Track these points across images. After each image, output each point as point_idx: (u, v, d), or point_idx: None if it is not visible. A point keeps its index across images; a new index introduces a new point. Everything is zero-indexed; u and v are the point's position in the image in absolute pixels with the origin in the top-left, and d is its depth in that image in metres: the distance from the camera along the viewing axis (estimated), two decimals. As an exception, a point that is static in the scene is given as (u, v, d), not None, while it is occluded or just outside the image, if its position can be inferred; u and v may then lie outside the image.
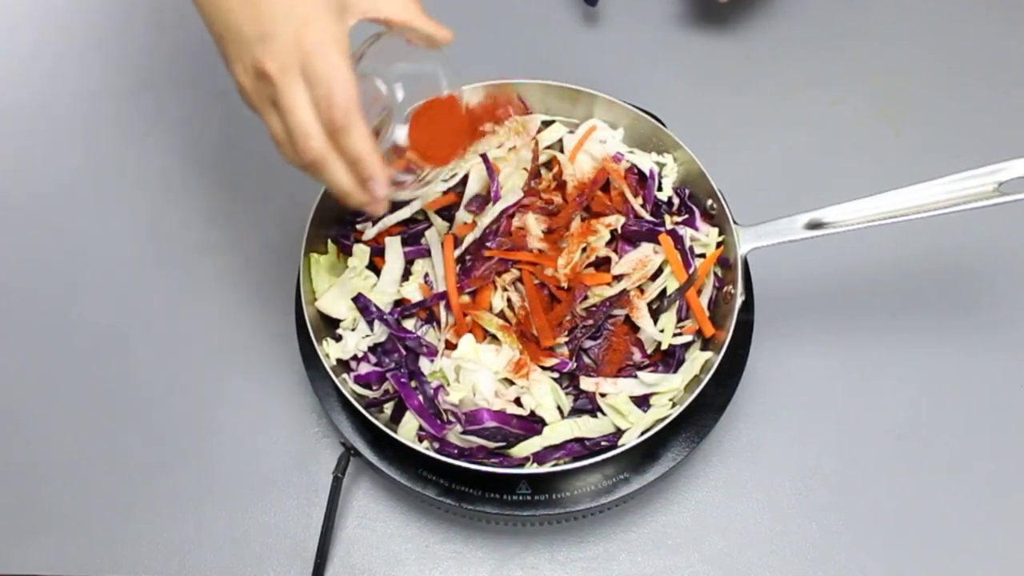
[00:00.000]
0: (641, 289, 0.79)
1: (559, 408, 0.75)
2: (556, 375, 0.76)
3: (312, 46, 0.57)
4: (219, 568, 0.79)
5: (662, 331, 0.77)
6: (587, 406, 0.76)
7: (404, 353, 0.77)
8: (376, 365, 0.77)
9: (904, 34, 1.07)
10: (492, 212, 0.78)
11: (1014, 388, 0.86)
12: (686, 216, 0.82)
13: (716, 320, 0.78)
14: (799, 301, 0.89)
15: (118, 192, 0.98)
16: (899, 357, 0.87)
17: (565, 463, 0.72)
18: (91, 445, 0.84)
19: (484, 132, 0.71)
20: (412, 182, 0.68)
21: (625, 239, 0.80)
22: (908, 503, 0.81)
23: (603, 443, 0.74)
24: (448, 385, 0.74)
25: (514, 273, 0.78)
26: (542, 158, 0.84)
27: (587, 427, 0.74)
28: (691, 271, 0.78)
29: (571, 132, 0.86)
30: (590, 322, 0.77)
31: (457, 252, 0.78)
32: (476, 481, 0.73)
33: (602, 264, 0.80)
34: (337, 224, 0.83)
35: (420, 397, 0.74)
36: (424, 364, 0.76)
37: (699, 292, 0.79)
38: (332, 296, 0.79)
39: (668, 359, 0.77)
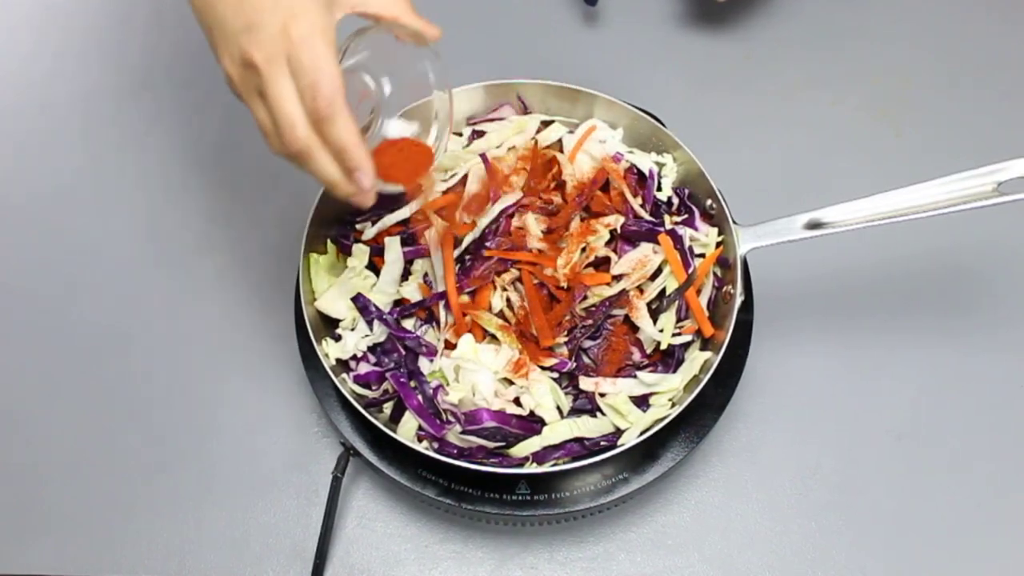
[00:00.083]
0: (640, 289, 0.79)
1: (558, 408, 0.75)
2: (555, 375, 0.76)
3: (299, 37, 0.57)
4: (219, 568, 0.79)
5: (661, 331, 0.77)
6: (586, 406, 0.76)
7: (403, 353, 0.77)
8: (375, 365, 0.77)
9: (904, 34, 1.07)
10: (491, 212, 0.79)
11: (1014, 388, 0.86)
12: (685, 216, 0.82)
13: (715, 320, 0.78)
14: (798, 301, 0.89)
15: (118, 192, 0.98)
16: (899, 357, 0.87)
17: (564, 463, 0.72)
18: (91, 445, 0.84)
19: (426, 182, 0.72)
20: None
21: (624, 239, 0.80)
22: (908, 503, 0.81)
23: (602, 443, 0.74)
24: (447, 385, 0.74)
25: (513, 273, 0.78)
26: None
27: (586, 427, 0.74)
28: (690, 271, 0.78)
29: (571, 132, 0.86)
30: (589, 322, 0.77)
31: (456, 252, 0.78)
32: (476, 481, 0.73)
33: (601, 264, 0.80)
34: (337, 224, 0.83)
35: (419, 397, 0.74)
36: (424, 364, 0.77)
37: (698, 292, 0.79)
38: (332, 296, 0.79)
39: (667, 359, 0.77)
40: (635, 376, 0.75)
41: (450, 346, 0.76)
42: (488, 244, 0.79)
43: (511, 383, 0.75)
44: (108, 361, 0.88)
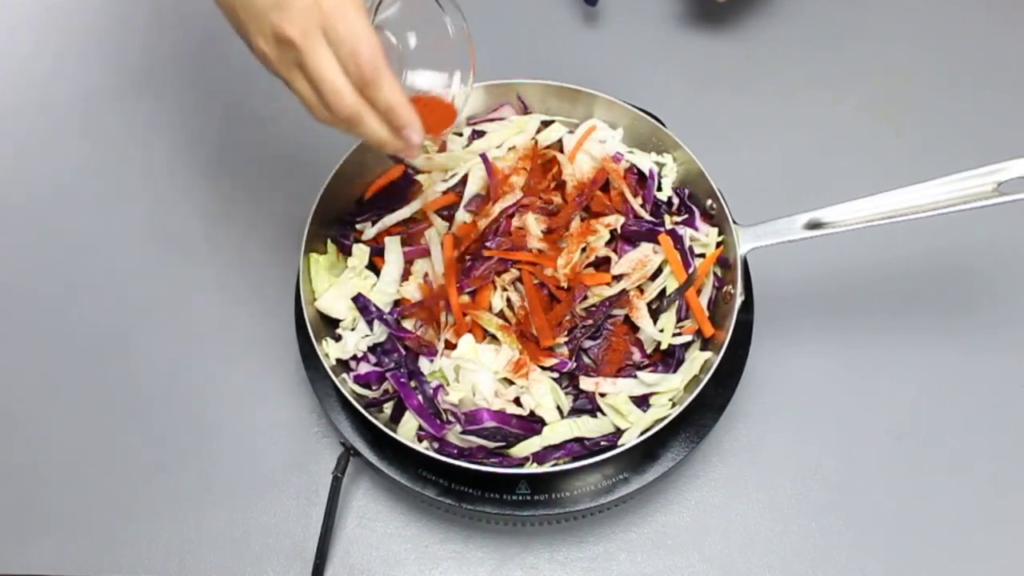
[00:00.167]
0: (641, 289, 0.79)
1: (559, 408, 0.75)
2: (556, 375, 0.76)
3: (330, 7, 0.58)
4: (219, 568, 0.79)
5: (662, 331, 0.77)
6: (587, 406, 0.76)
7: (404, 353, 0.77)
8: (376, 365, 0.77)
9: (904, 34, 1.07)
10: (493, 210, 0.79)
11: (1014, 388, 0.86)
12: (686, 216, 0.82)
13: (716, 320, 0.78)
14: (799, 301, 0.89)
15: (118, 192, 0.98)
16: (899, 357, 0.87)
17: (565, 463, 0.72)
18: (91, 445, 0.84)
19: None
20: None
21: (625, 239, 0.80)
22: (908, 503, 0.81)
23: (603, 443, 0.74)
24: (448, 385, 0.74)
25: (514, 273, 0.78)
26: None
27: (587, 427, 0.74)
28: (691, 271, 0.78)
29: (571, 132, 0.86)
30: (590, 322, 0.77)
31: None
32: (476, 481, 0.73)
33: (602, 264, 0.80)
34: (337, 224, 0.83)
35: (420, 397, 0.74)
36: (424, 364, 0.76)
37: (699, 292, 0.79)
38: (332, 296, 0.79)
39: (668, 359, 0.77)
40: (635, 376, 0.75)
41: (450, 346, 0.76)
42: (488, 244, 0.79)
43: (511, 383, 0.75)
44: (108, 361, 0.88)
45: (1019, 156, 0.73)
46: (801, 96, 1.02)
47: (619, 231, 0.80)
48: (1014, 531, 0.80)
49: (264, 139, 0.99)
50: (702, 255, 0.80)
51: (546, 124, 0.86)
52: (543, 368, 0.75)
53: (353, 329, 0.78)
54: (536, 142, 0.85)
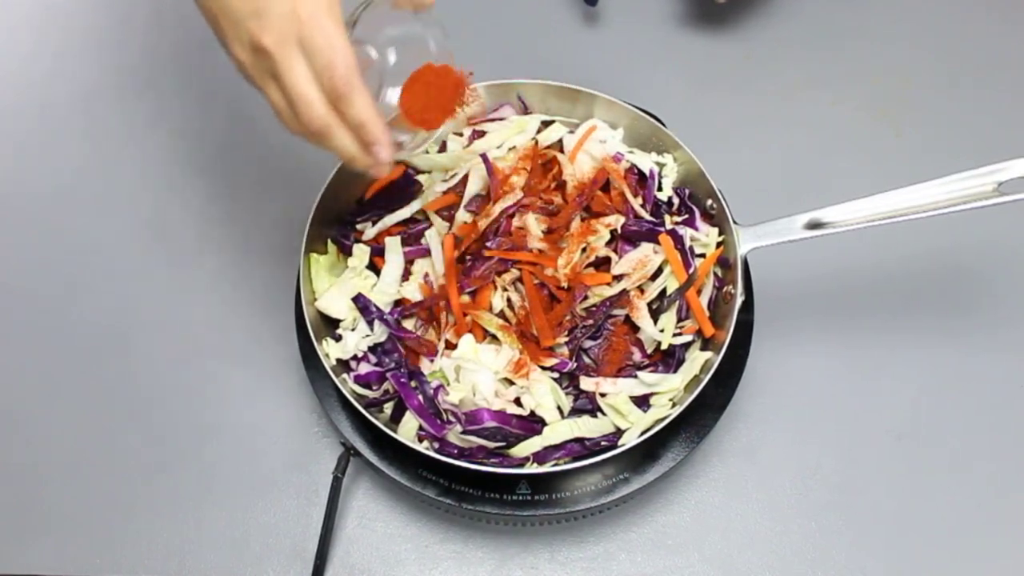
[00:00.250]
0: (641, 289, 0.79)
1: (559, 408, 0.75)
2: (556, 375, 0.76)
3: (307, 18, 0.58)
4: (219, 568, 0.79)
5: (662, 331, 0.77)
6: (587, 406, 0.76)
7: (404, 353, 0.77)
8: (376, 365, 0.77)
9: (904, 34, 1.07)
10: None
11: (1014, 388, 0.86)
12: (686, 216, 0.82)
13: (716, 320, 0.78)
14: (799, 301, 0.89)
15: (118, 192, 0.98)
16: (899, 357, 0.87)
17: (565, 463, 0.72)
18: (91, 445, 0.84)
19: (469, 97, 0.71)
20: (409, 143, 0.69)
21: (625, 239, 0.80)
22: (908, 503, 0.81)
23: (603, 443, 0.74)
24: (448, 385, 0.74)
25: (514, 273, 0.78)
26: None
27: (587, 427, 0.74)
28: (691, 271, 0.78)
29: (571, 132, 0.86)
30: (590, 322, 0.77)
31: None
32: (476, 481, 0.73)
33: (602, 264, 0.80)
34: (337, 224, 0.83)
35: (420, 397, 0.74)
36: (424, 364, 0.76)
37: (699, 292, 0.79)
38: (332, 296, 0.79)
39: (668, 359, 0.77)
40: (636, 376, 0.75)
41: (451, 346, 0.76)
42: (489, 244, 0.79)
43: (511, 383, 0.75)
44: (108, 361, 0.88)
45: (1019, 156, 0.73)
46: (801, 96, 1.02)
47: (619, 231, 0.80)
48: (1014, 531, 0.80)
49: (264, 139, 0.99)
50: (702, 255, 0.80)
51: (546, 124, 0.86)
52: (543, 368, 0.75)
53: (353, 329, 0.78)
54: (536, 142, 0.85)
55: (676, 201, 0.83)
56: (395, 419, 0.75)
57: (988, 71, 1.04)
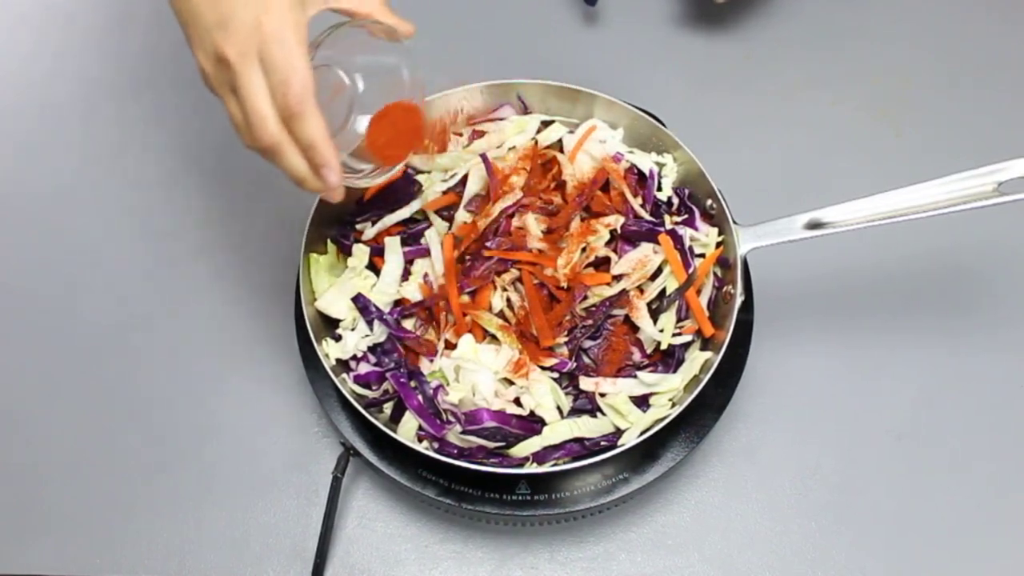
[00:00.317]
0: (641, 289, 0.79)
1: (559, 408, 0.75)
2: (556, 375, 0.76)
3: (270, 33, 0.58)
4: (219, 568, 0.79)
5: (662, 331, 0.77)
6: (587, 406, 0.76)
7: (403, 353, 0.77)
8: (376, 365, 0.77)
9: (904, 34, 1.07)
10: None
11: (1014, 388, 0.86)
12: (686, 216, 0.82)
13: (716, 320, 0.78)
14: (799, 301, 0.89)
15: (118, 192, 0.98)
16: (899, 357, 0.87)
17: (564, 463, 0.72)
18: (91, 445, 0.84)
19: (427, 144, 0.72)
20: (368, 172, 0.69)
21: (625, 239, 0.80)
22: (908, 503, 0.81)
23: (603, 443, 0.74)
24: (448, 385, 0.74)
25: (514, 273, 0.78)
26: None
27: (586, 427, 0.74)
28: (691, 271, 0.78)
29: (571, 132, 0.86)
30: (590, 322, 0.77)
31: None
32: (476, 481, 0.73)
33: (602, 264, 0.80)
34: (337, 224, 0.83)
35: (420, 397, 0.74)
36: (424, 364, 0.76)
37: (699, 292, 0.79)
38: (332, 296, 0.79)
39: (667, 359, 0.77)
40: (635, 376, 0.75)
41: (450, 346, 0.76)
42: (488, 244, 0.79)
43: (511, 383, 0.75)
44: (108, 361, 0.88)
45: (1019, 156, 0.73)
46: (801, 96, 1.02)
47: (619, 231, 0.80)
48: (1014, 531, 0.80)
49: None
50: (702, 255, 0.80)
51: (546, 124, 0.86)
52: (543, 368, 0.75)
53: (353, 329, 0.78)
54: (536, 142, 0.85)
55: (676, 201, 0.83)
56: (395, 419, 0.75)
57: (988, 71, 1.04)
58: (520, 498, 0.73)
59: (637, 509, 0.81)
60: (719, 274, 0.80)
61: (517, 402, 0.74)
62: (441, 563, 0.79)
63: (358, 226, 0.83)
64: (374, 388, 0.76)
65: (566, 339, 0.76)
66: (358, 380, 0.76)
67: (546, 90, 0.86)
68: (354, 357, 0.77)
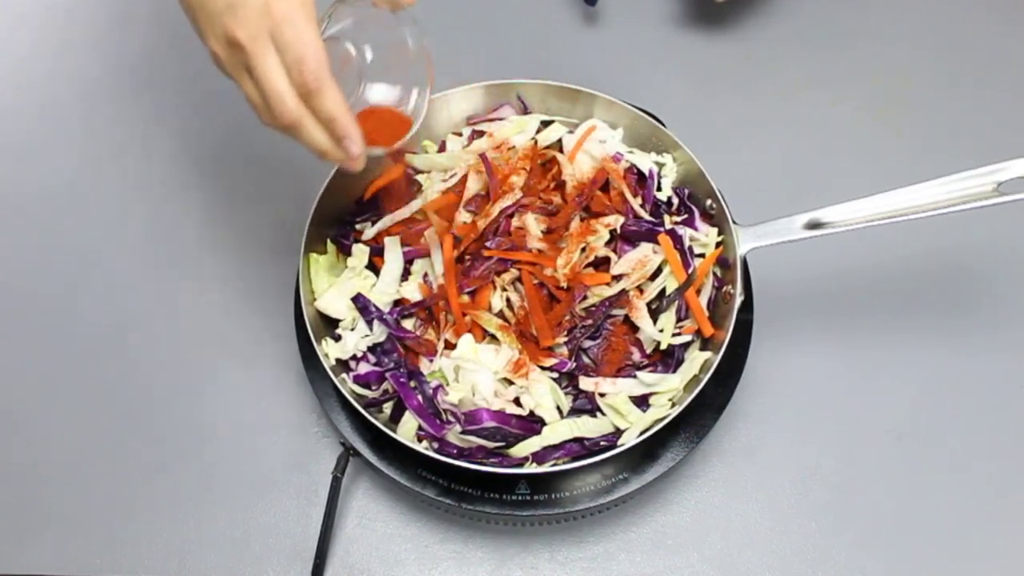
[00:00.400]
0: (640, 289, 0.79)
1: (558, 408, 0.75)
2: (555, 375, 0.76)
3: (280, 14, 0.59)
4: (219, 568, 0.79)
5: (661, 331, 0.77)
6: (586, 406, 0.76)
7: (403, 353, 0.77)
8: (375, 365, 0.77)
9: (904, 34, 1.07)
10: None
11: (1014, 388, 0.86)
12: (685, 216, 0.82)
13: (715, 320, 0.78)
14: (799, 301, 0.89)
15: (118, 192, 0.98)
16: (899, 357, 0.87)
17: (564, 463, 0.72)
18: (91, 445, 0.84)
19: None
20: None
21: (624, 239, 0.80)
22: (908, 503, 0.80)
23: (602, 443, 0.74)
24: (447, 385, 0.74)
25: (513, 273, 0.78)
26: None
27: (586, 427, 0.74)
28: (690, 271, 0.78)
29: (571, 132, 0.86)
30: (589, 322, 0.77)
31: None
32: (475, 481, 0.73)
33: (601, 264, 0.80)
34: (337, 224, 0.83)
35: (419, 397, 0.74)
36: (423, 364, 0.76)
37: (698, 292, 0.79)
38: (331, 296, 0.79)
39: (667, 359, 0.77)
40: (635, 376, 0.75)
41: (450, 346, 0.76)
42: (488, 244, 0.79)
43: (511, 383, 0.75)
44: (108, 361, 0.88)
45: (1019, 156, 0.73)
46: (801, 96, 1.02)
47: (619, 231, 0.80)
48: (1014, 531, 0.79)
49: (264, 139, 0.98)
50: (702, 255, 0.80)
51: (546, 124, 0.86)
52: (543, 368, 0.75)
53: (353, 329, 0.78)
54: (536, 142, 0.85)
55: (675, 201, 0.83)
56: (394, 419, 0.75)
57: (988, 71, 1.04)
58: (520, 498, 0.73)
59: (637, 509, 0.81)
60: (719, 274, 0.80)
61: (517, 402, 0.74)
62: (441, 563, 0.79)
63: (358, 226, 0.83)
64: (374, 388, 0.76)
65: (566, 339, 0.76)
66: (358, 380, 0.76)
67: (546, 90, 0.86)
68: (354, 357, 0.77)
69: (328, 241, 0.82)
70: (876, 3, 1.09)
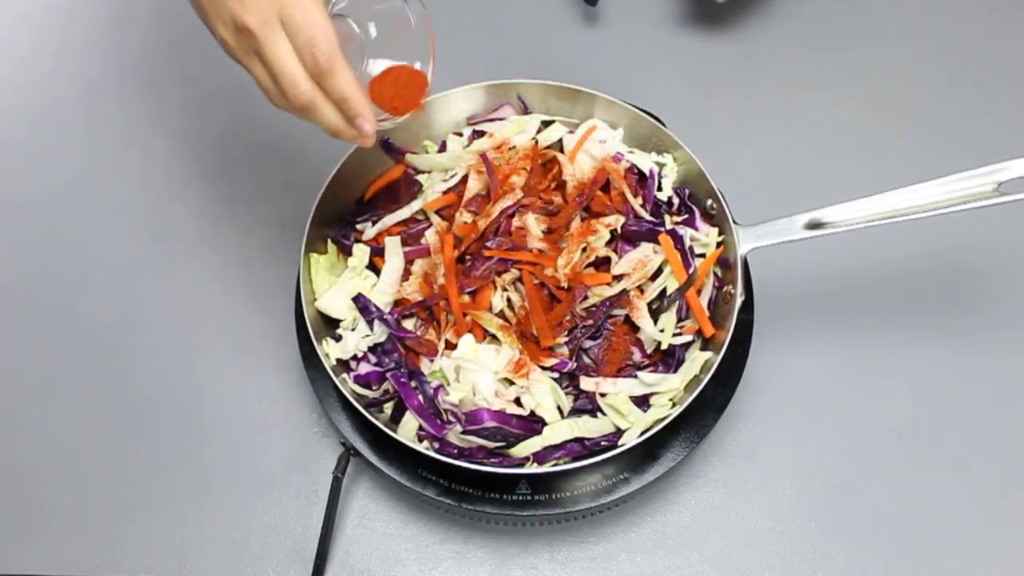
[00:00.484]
0: (641, 289, 0.79)
1: (559, 408, 0.75)
2: (556, 375, 0.76)
3: None
4: (219, 568, 0.79)
5: (662, 331, 0.77)
6: (587, 406, 0.76)
7: (404, 353, 0.77)
8: (376, 365, 0.77)
9: (904, 34, 1.07)
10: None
11: (1014, 388, 0.86)
12: (686, 216, 0.82)
13: (716, 320, 0.78)
14: (799, 301, 0.89)
15: (118, 192, 0.98)
16: (899, 357, 0.87)
17: (565, 463, 0.72)
18: (91, 445, 0.84)
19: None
20: (388, 116, 0.70)
21: (625, 239, 0.80)
22: (908, 503, 0.81)
23: (603, 443, 0.74)
24: (448, 385, 0.74)
25: (514, 273, 0.78)
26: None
27: (587, 427, 0.74)
28: (691, 271, 0.78)
29: (571, 132, 0.86)
30: (590, 322, 0.77)
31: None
32: (476, 481, 0.73)
33: (602, 264, 0.80)
34: (337, 224, 0.83)
35: (420, 397, 0.74)
36: (424, 364, 0.76)
37: (699, 292, 0.79)
38: (332, 296, 0.79)
39: (668, 359, 0.77)
40: (635, 376, 0.75)
41: (450, 346, 0.76)
42: (489, 244, 0.79)
43: (511, 383, 0.75)
44: (108, 361, 0.88)
45: (1019, 156, 0.73)
46: (801, 96, 1.02)
47: (619, 231, 0.80)
48: (1014, 531, 0.80)
49: (264, 139, 0.99)
50: (702, 255, 0.80)
51: (546, 124, 0.86)
52: (543, 368, 0.75)
53: (353, 329, 0.78)
54: (536, 142, 0.85)
55: (676, 201, 0.83)
56: (395, 419, 0.75)
57: (988, 71, 1.04)
58: (520, 498, 0.73)
59: (637, 509, 0.81)
60: (719, 274, 0.80)
61: (517, 402, 0.74)
62: (441, 563, 0.79)
63: (358, 226, 0.83)
64: (374, 388, 0.76)
65: (566, 339, 0.76)
66: (358, 380, 0.76)
67: (546, 90, 0.86)
68: (354, 357, 0.77)
69: (329, 241, 0.82)
70: (876, 3, 1.09)
